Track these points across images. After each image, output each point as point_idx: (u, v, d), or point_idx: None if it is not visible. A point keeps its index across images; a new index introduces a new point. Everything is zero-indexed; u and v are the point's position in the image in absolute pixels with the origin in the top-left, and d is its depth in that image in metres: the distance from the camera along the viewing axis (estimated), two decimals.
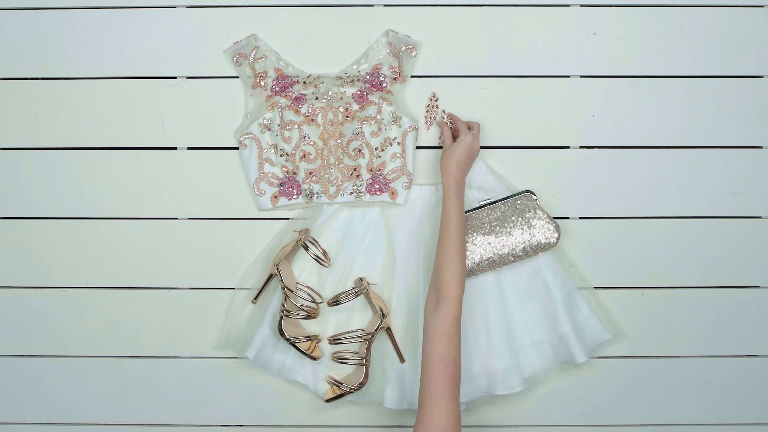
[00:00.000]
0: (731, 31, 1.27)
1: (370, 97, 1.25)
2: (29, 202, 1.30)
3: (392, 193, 1.26)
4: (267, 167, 1.27)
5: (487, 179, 1.28)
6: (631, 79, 1.28)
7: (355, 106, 1.25)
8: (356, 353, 1.25)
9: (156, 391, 1.35)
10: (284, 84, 1.25)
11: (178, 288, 1.32)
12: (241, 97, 1.28)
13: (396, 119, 1.24)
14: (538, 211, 1.25)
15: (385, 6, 1.27)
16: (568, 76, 1.28)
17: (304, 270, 1.29)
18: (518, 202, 1.25)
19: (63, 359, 1.34)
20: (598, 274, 1.32)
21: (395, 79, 1.26)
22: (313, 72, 1.27)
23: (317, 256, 1.23)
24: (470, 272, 1.24)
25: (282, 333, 1.22)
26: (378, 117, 1.24)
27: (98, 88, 1.28)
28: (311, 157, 1.26)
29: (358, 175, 1.26)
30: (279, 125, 1.25)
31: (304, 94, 1.25)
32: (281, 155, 1.26)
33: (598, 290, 1.32)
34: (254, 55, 1.26)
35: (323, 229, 1.28)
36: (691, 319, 1.33)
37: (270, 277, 1.27)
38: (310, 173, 1.26)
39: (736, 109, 1.29)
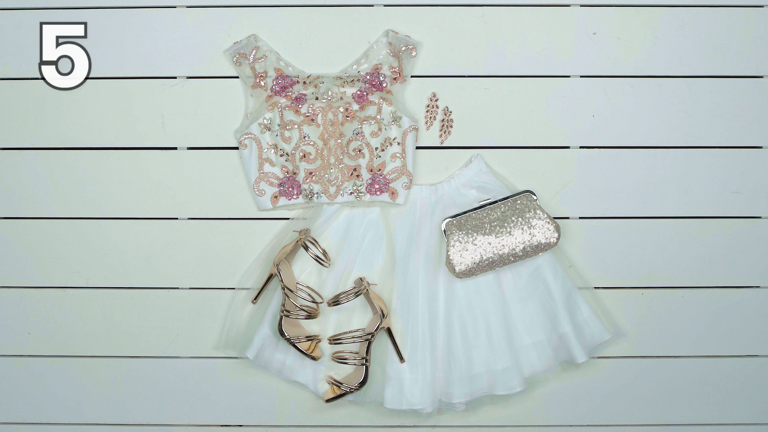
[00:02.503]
0: (731, 31, 1.27)
1: (370, 97, 1.25)
2: (29, 202, 1.30)
3: (392, 193, 1.26)
4: (267, 167, 1.27)
5: (487, 179, 1.28)
6: (631, 79, 1.28)
7: (355, 106, 1.25)
8: (356, 353, 1.25)
9: (156, 391, 1.35)
10: (284, 84, 1.25)
11: (178, 288, 1.32)
12: (241, 97, 1.28)
13: (396, 119, 1.24)
14: (538, 211, 1.25)
15: (385, 6, 1.27)
16: (568, 76, 1.28)
17: (304, 270, 1.29)
18: (518, 202, 1.25)
19: (63, 359, 1.34)
20: (598, 274, 1.32)
21: (395, 79, 1.26)
22: (313, 72, 1.27)
23: (317, 256, 1.23)
24: (470, 272, 1.24)
25: (282, 333, 1.22)
26: (378, 117, 1.24)
27: (98, 88, 1.28)
28: (311, 157, 1.26)
29: (358, 175, 1.26)
30: (279, 125, 1.25)
31: (304, 94, 1.25)
32: (281, 155, 1.26)
33: (598, 290, 1.32)
34: (254, 55, 1.26)
35: (323, 229, 1.28)
36: (691, 319, 1.33)
37: (270, 277, 1.27)
38: (310, 173, 1.26)
39: (736, 109, 1.29)
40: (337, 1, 1.27)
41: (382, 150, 1.25)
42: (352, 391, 1.24)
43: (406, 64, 1.25)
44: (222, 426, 1.36)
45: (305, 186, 1.27)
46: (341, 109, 1.25)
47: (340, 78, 1.26)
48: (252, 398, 1.34)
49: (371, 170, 1.26)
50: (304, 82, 1.26)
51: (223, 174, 1.29)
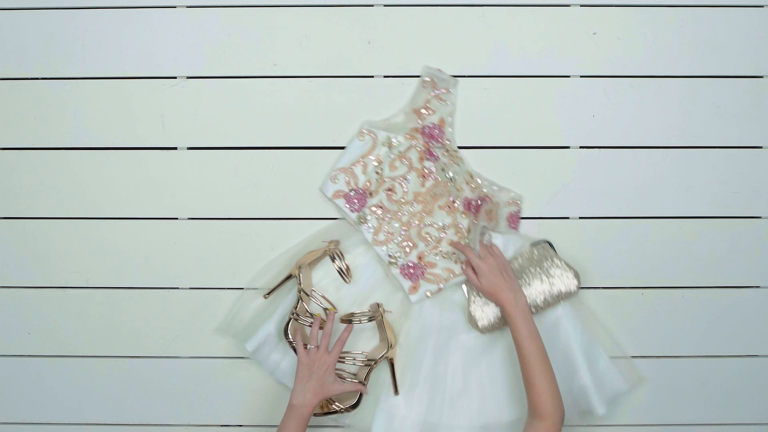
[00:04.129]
0: (731, 31, 1.27)
1: (483, 208, 1.24)
2: (29, 202, 1.30)
3: (413, 287, 1.25)
4: (358, 169, 1.26)
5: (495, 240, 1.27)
6: (631, 79, 1.28)
7: (461, 208, 1.24)
8: (354, 374, 1.24)
9: (156, 391, 1.35)
10: (433, 135, 1.25)
11: (178, 288, 1.32)
12: (241, 97, 1.28)
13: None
14: (555, 260, 1.24)
15: (385, 6, 1.27)
16: (568, 76, 1.28)
17: (323, 280, 1.27)
18: (535, 252, 1.24)
19: (63, 359, 1.34)
20: (598, 274, 1.32)
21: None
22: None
23: (340, 269, 1.22)
24: (493, 327, 1.23)
25: (286, 334, 1.21)
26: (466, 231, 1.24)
27: (98, 88, 1.28)
28: (393, 198, 1.25)
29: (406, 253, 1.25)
30: (399, 152, 1.24)
31: (437, 157, 1.25)
32: (376, 172, 1.25)
33: (598, 290, 1.32)
34: (440, 92, 1.25)
35: (354, 248, 1.27)
36: (691, 319, 1.33)
37: (288, 277, 1.26)
38: (381, 214, 1.25)
39: (736, 109, 1.29)
40: (337, 1, 1.27)
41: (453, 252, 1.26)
42: (341, 412, 1.22)
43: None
44: (222, 426, 1.36)
45: (366, 210, 1.26)
46: (451, 199, 1.25)
47: (472, 175, 1.26)
48: (252, 398, 1.34)
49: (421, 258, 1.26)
50: (446, 150, 1.26)
51: (223, 174, 1.29)
